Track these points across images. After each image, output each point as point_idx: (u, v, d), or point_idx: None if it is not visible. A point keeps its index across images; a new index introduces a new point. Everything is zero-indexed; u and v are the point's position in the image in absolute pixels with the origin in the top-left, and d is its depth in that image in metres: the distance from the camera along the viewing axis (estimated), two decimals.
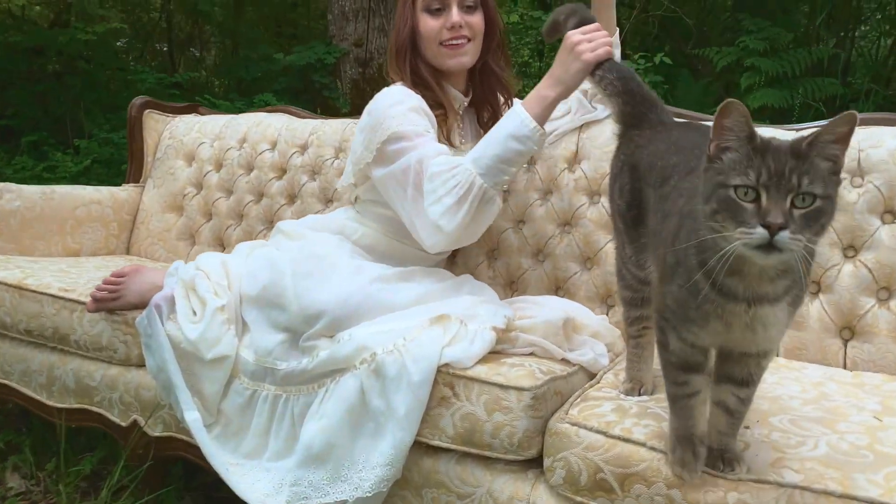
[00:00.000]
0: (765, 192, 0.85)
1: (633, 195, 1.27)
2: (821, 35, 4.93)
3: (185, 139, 2.56)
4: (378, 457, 1.30)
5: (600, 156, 1.79)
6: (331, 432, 1.34)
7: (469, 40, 1.66)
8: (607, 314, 1.74)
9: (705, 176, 0.92)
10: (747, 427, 1.13)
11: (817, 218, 0.86)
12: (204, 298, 1.52)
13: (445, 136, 1.67)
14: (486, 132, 1.57)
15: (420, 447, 1.33)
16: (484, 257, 1.94)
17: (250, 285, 1.53)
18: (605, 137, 1.78)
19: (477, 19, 1.67)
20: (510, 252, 1.90)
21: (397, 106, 1.56)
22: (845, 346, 1.54)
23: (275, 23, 6.58)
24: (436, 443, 1.32)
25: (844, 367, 1.53)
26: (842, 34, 5.05)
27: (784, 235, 0.84)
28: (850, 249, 1.56)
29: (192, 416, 1.48)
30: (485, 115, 1.78)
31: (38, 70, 5.26)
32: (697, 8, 5.43)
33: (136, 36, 6.24)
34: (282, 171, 2.32)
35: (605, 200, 1.77)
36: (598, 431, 1.14)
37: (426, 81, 1.65)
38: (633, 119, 1.36)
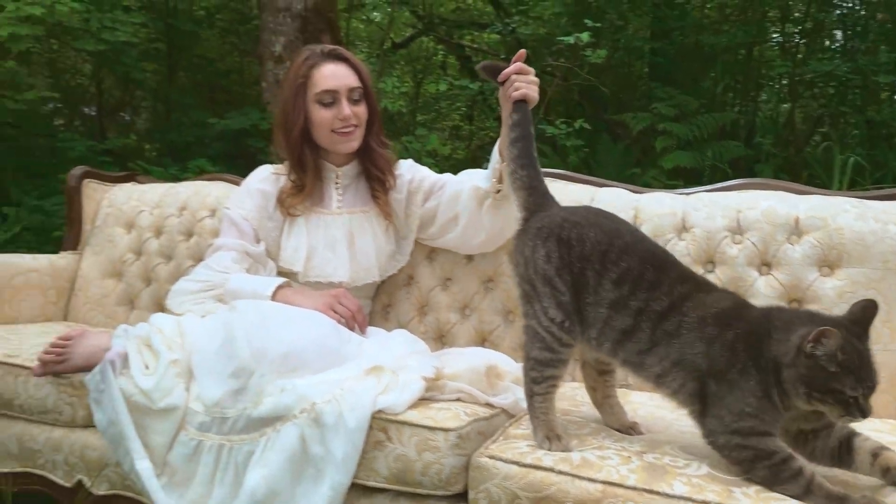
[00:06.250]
0: (863, 397, 1.11)
1: (563, 263, 1.31)
2: (726, 102, 5.36)
3: (124, 207, 2.65)
4: (318, 500, 1.41)
5: None
6: (273, 479, 1.43)
7: (356, 127, 1.95)
8: None
9: (802, 366, 1.13)
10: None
11: None
12: (158, 351, 1.60)
13: (301, 201, 1.97)
14: (378, 200, 2.01)
15: (357, 489, 1.45)
16: (415, 313, 2.09)
17: (206, 341, 1.60)
18: None
19: (362, 109, 1.96)
20: (439, 308, 2.07)
21: (242, 188, 2.06)
22: None
23: (208, 89, 6.68)
24: (371, 483, 1.45)
25: None
26: (741, 102, 5.51)
27: None
28: None
29: (144, 465, 1.53)
30: (374, 185, 2.03)
31: None
32: (614, 78, 5.82)
33: (64, 102, 6.23)
34: None
35: None
36: (512, 462, 1.28)
37: (305, 164, 1.96)
38: (536, 206, 1.43)
